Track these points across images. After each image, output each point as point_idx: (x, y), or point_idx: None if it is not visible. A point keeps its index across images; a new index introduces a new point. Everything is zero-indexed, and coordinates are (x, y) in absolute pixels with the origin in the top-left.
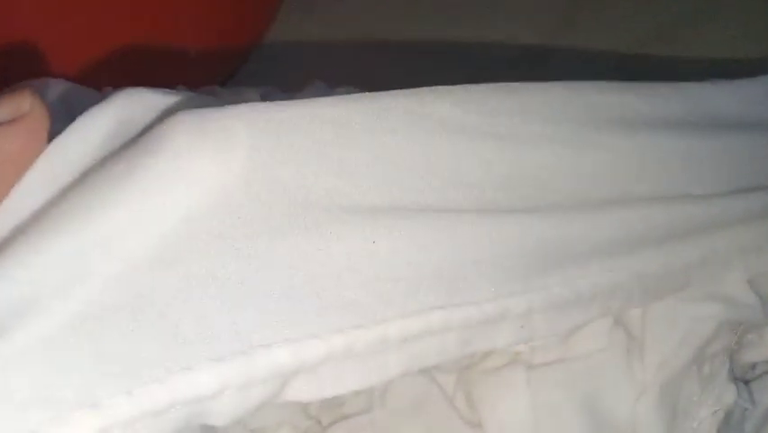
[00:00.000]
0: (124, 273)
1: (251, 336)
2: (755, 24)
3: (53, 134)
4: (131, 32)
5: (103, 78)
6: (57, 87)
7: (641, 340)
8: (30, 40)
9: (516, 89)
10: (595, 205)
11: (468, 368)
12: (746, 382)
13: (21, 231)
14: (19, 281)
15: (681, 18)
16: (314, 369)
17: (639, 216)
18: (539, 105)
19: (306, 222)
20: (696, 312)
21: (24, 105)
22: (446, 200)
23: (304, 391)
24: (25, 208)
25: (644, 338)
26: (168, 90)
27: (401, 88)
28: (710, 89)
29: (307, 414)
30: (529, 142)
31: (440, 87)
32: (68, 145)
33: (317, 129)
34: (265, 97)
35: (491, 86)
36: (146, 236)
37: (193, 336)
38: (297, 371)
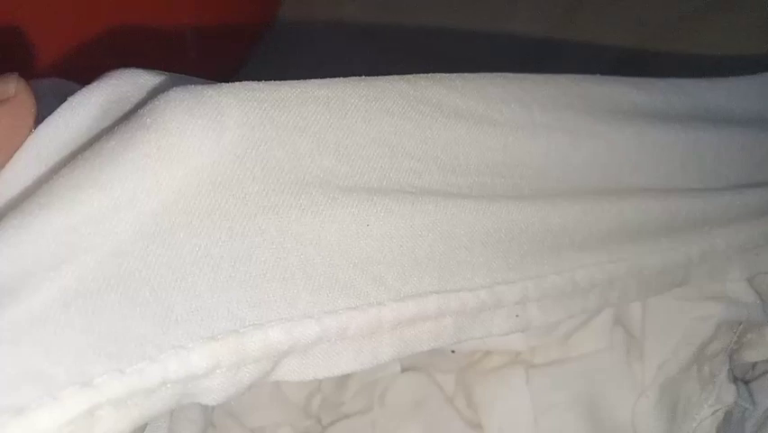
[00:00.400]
0: (116, 251)
1: (244, 314)
2: (757, 22)
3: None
4: (132, 15)
5: (103, 63)
6: (52, 83)
7: (641, 340)
8: (22, 22)
9: (515, 78)
10: (592, 194)
11: (468, 368)
12: (746, 382)
13: (11, 209)
14: (9, 259)
15: (682, 16)
16: (306, 350)
17: (636, 207)
18: (537, 94)
19: (300, 202)
20: (696, 312)
21: (9, 89)
22: (442, 184)
23: (296, 371)
24: (15, 188)
25: (644, 338)
26: (159, 71)
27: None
28: (710, 86)
29: (308, 413)
30: (526, 129)
31: (437, 74)
32: (58, 125)
33: (312, 109)
34: None
35: (489, 74)
36: (138, 213)
37: (185, 314)
38: (290, 351)
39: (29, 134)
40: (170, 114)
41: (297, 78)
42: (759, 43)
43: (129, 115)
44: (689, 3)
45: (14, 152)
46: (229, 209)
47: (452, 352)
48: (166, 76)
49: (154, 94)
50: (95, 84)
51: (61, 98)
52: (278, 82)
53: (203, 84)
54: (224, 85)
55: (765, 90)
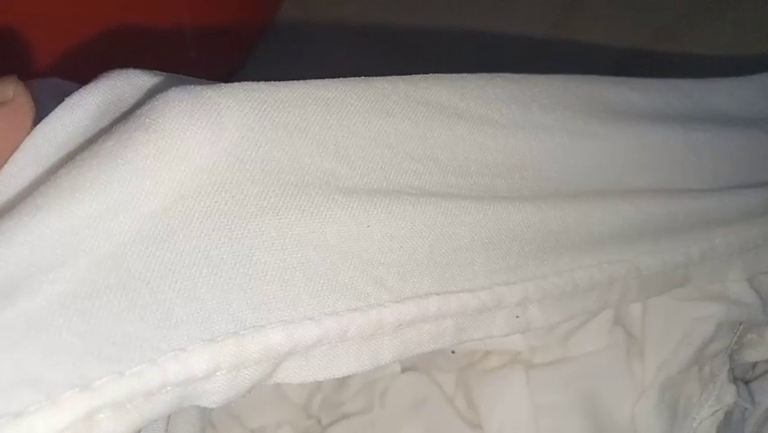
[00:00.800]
0: (115, 253)
1: (245, 316)
2: (754, 23)
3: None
4: (130, 15)
5: (102, 63)
6: (51, 83)
7: (641, 340)
8: (20, 22)
9: (514, 79)
10: (591, 195)
11: (468, 368)
12: (746, 382)
13: (7, 211)
14: (6, 260)
15: (680, 16)
16: (307, 351)
17: (636, 208)
18: (536, 94)
19: (300, 203)
20: (696, 312)
21: (8, 91)
22: (443, 185)
23: (296, 373)
24: (12, 189)
25: (645, 338)
26: (157, 72)
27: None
28: (709, 86)
29: (308, 413)
30: (526, 129)
31: (437, 75)
32: (56, 125)
33: (312, 110)
34: None
35: (489, 75)
36: (137, 214)
37: (185, 316)
38: (290, 353)
39: (26, 136)
40: (169, 114)
41: (297, 79)
42: (758, 43)
43: (127, 116)
44: (687, 3)
45: (12, 153)
46: (228, 211)
47: (452, 352)
48: (164, 76)
49: (152, 94)
50: (92, 84)
51: (60, 99)
52: (277, 83)
53: (201, 84)
54: (223, 85)
55: (764, 90)
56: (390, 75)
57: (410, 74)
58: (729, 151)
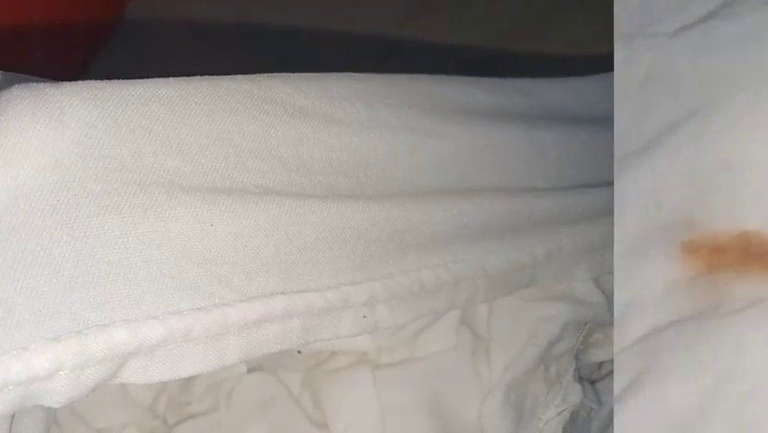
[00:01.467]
0: None
1: (87, 315)
2: (598, 24)
3: None
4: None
5: None
6: None
7: (487, 341)
8: None
9: (359, 78)
10: (436, 194)
11: (314, 368)
12: (592, 382)
13: None
14: None
15: (529, 16)
16: (151, 351)
17: (480, 207)
18: (382, 93)
19: (143, 202)
20: (542, 312)
21: None
22: (287, 184)
23: (141, 373)
24: None
25: (491, 339)
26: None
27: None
28: (555, 86)
29: (154, 413)
30: (371, 128)
31: (282, 74)
32: None
33: (156, 109)
34: None
35: (334, 74)
36: None
37: (27, 314)
38: (135, 352)
39: None
40: (11, 112)
41: (146, 77)
42: (600, 44)
43: None
44: (535, 3)
45: None
46: (71, 209)
47: (299, 352)
48: (5, 75)
49: None
50: None
51: None
52: (121, 81)
53: (44, 83)
54: (67, 84)
55: (608, 90)
56: (237, 74)
57: (258, 73)
58: (574, 150)
